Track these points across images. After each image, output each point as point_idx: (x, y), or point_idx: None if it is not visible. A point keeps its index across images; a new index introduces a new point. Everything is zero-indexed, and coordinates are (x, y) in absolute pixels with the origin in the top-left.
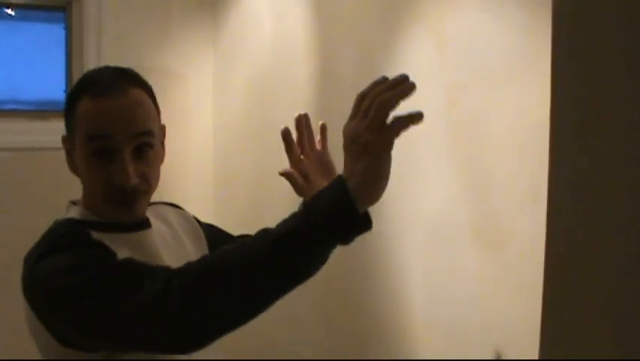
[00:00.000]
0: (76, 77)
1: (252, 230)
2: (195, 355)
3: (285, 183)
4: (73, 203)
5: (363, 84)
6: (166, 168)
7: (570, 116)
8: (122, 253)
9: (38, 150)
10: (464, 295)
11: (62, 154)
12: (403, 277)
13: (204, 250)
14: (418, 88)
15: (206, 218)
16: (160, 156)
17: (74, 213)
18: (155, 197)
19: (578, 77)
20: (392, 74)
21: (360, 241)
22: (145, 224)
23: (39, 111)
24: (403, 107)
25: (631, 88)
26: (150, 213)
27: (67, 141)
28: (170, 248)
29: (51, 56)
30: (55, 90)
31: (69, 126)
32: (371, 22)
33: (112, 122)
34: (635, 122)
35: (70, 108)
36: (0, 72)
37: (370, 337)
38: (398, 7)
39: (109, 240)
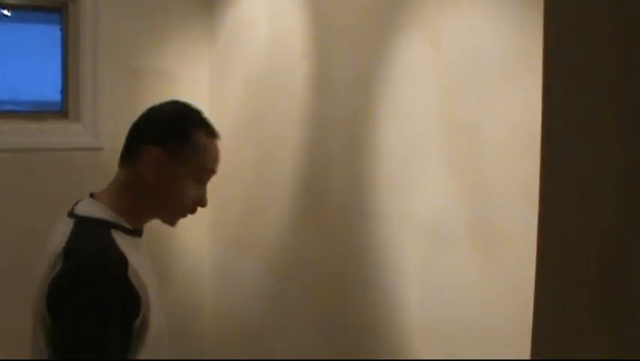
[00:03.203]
0: (73, 78)
1: (247, 231)
2: (190, 354)
3: (281, 185)
4: (92, 196)
5: (360, 85)
6: None
7: (561, 119)
8: (138, 260)
9: (35, 151)
10: (460, 296)
11: (58, 155)
12: (399, 278)
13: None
14: (414, 90)
15: (202, 219)
16: None
17: (101, 212)
18: None
19: (569, 79)
20: (388, 75)
21: (356, 242)
22: (141, 232)
23: (36, 112)
24: (400, 109)
25: (621, 90)
26: None
27: (166, 154)
28: (146, 258)
29: (47, 56)
30: (52, 91)
31: (178, 149)
32: (367, 24)
33: (219, 160)
34: (625, 125)
35: (184, 135)
36: None
37: (367, 337)
38: (394, 8)
39: (126, 243)
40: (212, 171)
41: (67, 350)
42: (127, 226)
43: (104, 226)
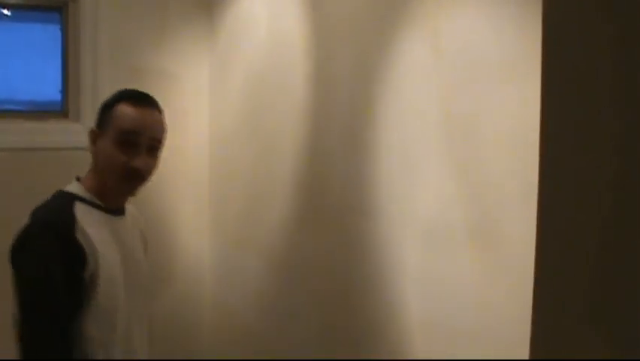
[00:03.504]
0: (73, 77)
1: (247, 231)
2: (190, 353)
3: (281, 184)
4: (78, 179)
5: (360, 85)
6: (162, 169)
7: (560, 119)
8: (99, 230)
9: (35, 151)
10: (459, 295)
11: (58, 154)
12: (399, 276)
13: (142, 248)
14: (414, 90)
15: (202, 218)
16: (158, 162)
17: (74, 188)
18: (153, 197)
19: (568, 79)
20: (388, 74)
21: (356, 241)
22: (122, 211)
23: (35, 112)
24: (400, 108)
25: (620, 90)
26: (127, 208)
27: (97, 132)
28: (130, 235)
29: (47, 56)
30: (52, 91)
31: (103, 121)
32: (367, 23)
33: (144, 126)
34: (624, 125)
35: (108, 110)
36: None
37: (366, 337)
38: (394, 8)
39: (92, 214)
40: (133, 133)
41: (18, 292)
42: (97, 202)
43: (70, 197)
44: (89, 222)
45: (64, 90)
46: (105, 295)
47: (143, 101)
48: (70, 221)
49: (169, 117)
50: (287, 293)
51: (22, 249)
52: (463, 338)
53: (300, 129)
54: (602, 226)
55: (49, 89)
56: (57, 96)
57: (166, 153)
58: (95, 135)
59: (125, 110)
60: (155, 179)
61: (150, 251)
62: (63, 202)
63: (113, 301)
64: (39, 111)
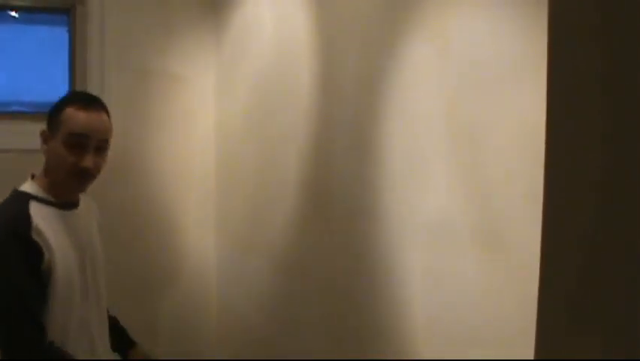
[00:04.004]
0: (80, 79)
1: (253, 232)
2: (196, 355)
3: (287, 186)
4: (32, 177)
5: (365, 87)
6: (168, 171)
7: (565, 121)
8: (52, 225)
9: (41, 152)
10: (464, 297)
11: None
12: (404, 279)
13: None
14: (420, 92)
15: (207, 220)
16: (106, 159)
17: (28, 187)
18: (159, 199)
19: (573, 82)
20: (394, 77)
21: (361, 243)
22: (75, 205)
23: (42, 113)
24: (406, 111)
25: (625, 92)
26: (81, 198)
27: (48, 133)
28: (84, 225)
29: (54, 58)
30: (59, 92)
31: (53, 124)
32: (373, 27)
33: (89, 129)
34: (630, 127)
35: (57, 113)
36: (4, 74)
37: (370, 338)
38: (400, 11)
39: (45, 211)
40: (80, 136)
41: None
42: (49, 198)
43: (24, 197)
44: (43, 219)
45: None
46: (61, 281)
47: (91, 104)
48: (26, 221)
49: (175, 119)
50: (292, 295)
51: None
52: (469, 339)
53: (306, 132)
54: (607, 227)
55: (56, 91)
56: None
57: (171, 155)
58: (46, 136)
59: (73, 113)
60: (161, 180)
61: (151, 251)
62: (19, 203)
63: (69, 287)
64: (46, 113)
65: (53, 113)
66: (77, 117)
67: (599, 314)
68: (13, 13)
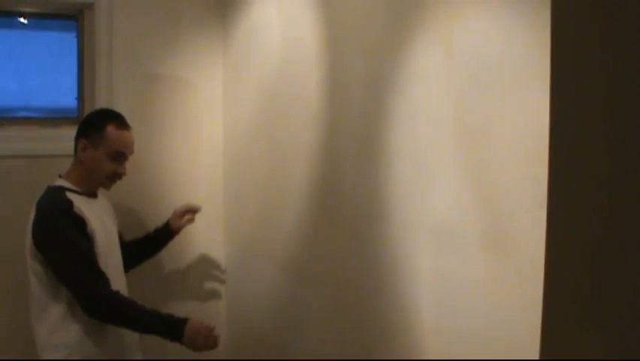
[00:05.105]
0: (88, 84)
1: (261, 234)
2: (205, 356)
3: (295, 190)
4: (60, 176)
5: (372, 90)
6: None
7: (570, 124)
8: (86, 208)
9: (50, 158)
10: (471, 300)
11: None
12: (410, 282)
13: (114, 222)
14: (426, 95)
15: (216, 222)
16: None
17: (60, 182)
18: (167, 204)
19: (577, 84)
20: (401, 79)
21: (369, 246)
22: (96, 195)
23: (51, 119)
24: (413, 114)
25: (630, 94)
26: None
27: (88, 144)
28: (104, 211)
29: (63, 64)
30: (68, 98)
31: (95, 138)
32: (380, 30)
33: (128, 146)
34: (635, 130)
35: (99, 129)
36: (13, 80)
37: (377, 341)
38: (407, 14)
39: (77, 198)
40: (122, 153)
41: (56, 258)
42: (78, 190)
43: (60, 189)
44: (78, 202)
45: (80, 97)
46: (98, 248)
47: (125, 123)
48: (68, 202)
49: (183, 123)
50: (300, 297)
51: (47, 226)
52: (475, 342)
53: (314, 135)
54: (612, 230)
55: (65, 97)
56: (73, 103)
57: (180, 158)
58: (86, 146)
59: (116, 133)
60: (169, 183)
61: (160, 254)
62: (57, 192)
63: (104, 249)
64: (55, 118)
65: (94, 128)
66: (121, 137)
67: (604, 317)
68: (22, 20)
